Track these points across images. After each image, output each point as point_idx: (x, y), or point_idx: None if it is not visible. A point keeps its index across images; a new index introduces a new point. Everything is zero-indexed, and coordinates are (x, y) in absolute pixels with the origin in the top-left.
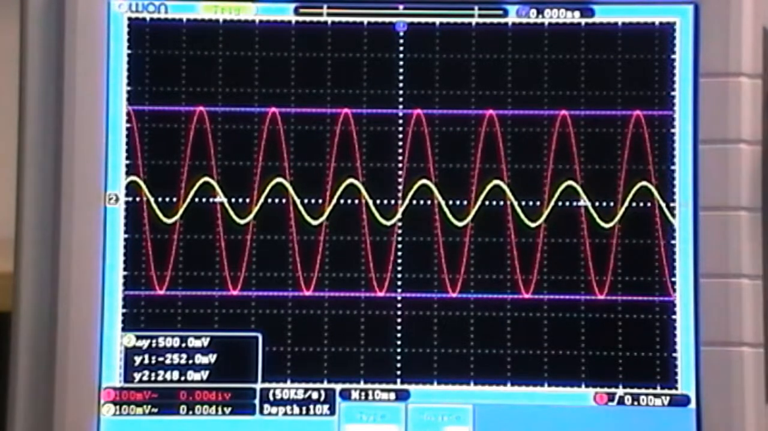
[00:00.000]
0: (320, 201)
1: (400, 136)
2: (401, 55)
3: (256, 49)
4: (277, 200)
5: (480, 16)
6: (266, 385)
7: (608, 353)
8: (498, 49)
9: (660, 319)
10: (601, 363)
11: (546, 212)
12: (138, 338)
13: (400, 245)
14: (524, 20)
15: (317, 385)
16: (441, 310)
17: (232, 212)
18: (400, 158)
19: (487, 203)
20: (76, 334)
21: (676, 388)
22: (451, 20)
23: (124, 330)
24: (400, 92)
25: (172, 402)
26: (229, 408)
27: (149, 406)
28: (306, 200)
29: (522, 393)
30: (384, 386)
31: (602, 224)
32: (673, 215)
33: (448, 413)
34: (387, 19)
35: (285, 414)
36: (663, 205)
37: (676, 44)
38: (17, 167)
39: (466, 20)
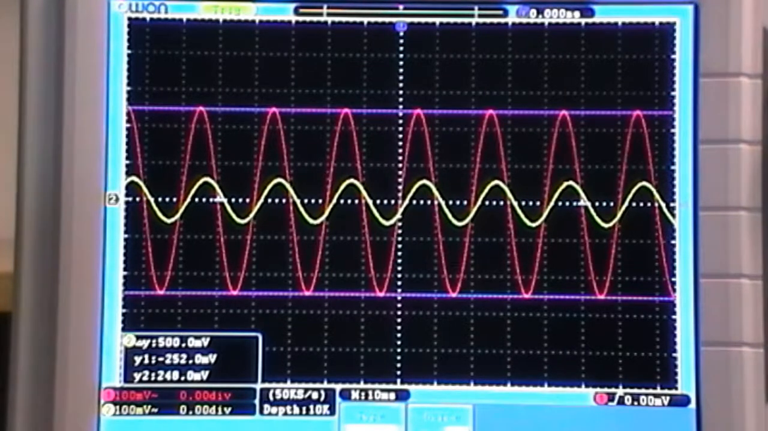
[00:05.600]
0: (320, 201)
1: (400, 136)
2: (401, 55)
3: (256, 49)
4: (277, 200)
5: (480, 16)
6: (266, 385)
7: (608, 353)
8: (498, 49)
9: (660, 319)
10: (601, 363)
11: (546, 212)
12: (138, 338)
13: (400, 245)
14: (524, 20)
15: (317, 385)
16: (441, 310)
17: (232, 212)
18: (400, 158)
19: (487, 203)
20: (76, 334)
21: (676, 388)
22: (451, 20)
23: (124, 330)
24: (400, 92)
25: (172, 402)
26: (229, 408)
27: (149, 406)
28: (306, 200)
29: (522, 393)
30: (384, 386)
31: (602, 224)
32: (673, 215)
33: (448, 413)
34: (387, 19)
35: (285, 414)
36: (663, 205)
37: (676, 44)
38: (17, 167)
39: (466, 20)
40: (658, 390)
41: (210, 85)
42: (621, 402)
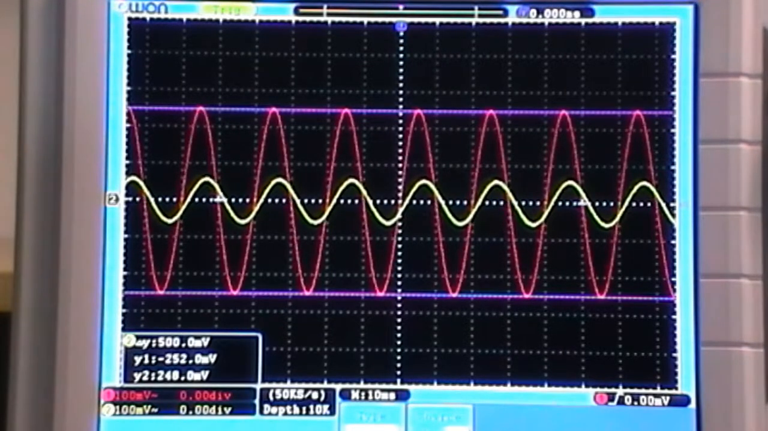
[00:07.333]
0: (320, 201)
1: (400, 136)
2: (401, 55)
3: (256, 49)
4: (277, 200)
5: (480, 16)
6: (266, 385)
7: (608, 353)
8: (498, 49)
9: (660, 319)
10: (601, 363)
11: (546, 212)
12: (138, 338)
13: (400, 245)
14: (524, 20)
15: (317, 385)
16: (441, 310)
17: (232, 212)
18: (400, 158)
19: (487, 203)
20: (76, 334)
21: (676, 388)
22: (451, 20)
23: (124, 330)
24: (400, 92)
25: (172, 402)
26: (229, 408)
27: (149, 406)
28: (306, 200)
29: (522, 393)
30: (384, 386)
31: (602, 224)
32: (673, 215)
33: (448, 413)
34: (387, 19)
35: (285, 414)
36: (663, 205)
37: (676, 44)
38: (17, 167)
39: (466, 20)
40: (658, 390)
41: (210, 85)
42: (621, 402)
